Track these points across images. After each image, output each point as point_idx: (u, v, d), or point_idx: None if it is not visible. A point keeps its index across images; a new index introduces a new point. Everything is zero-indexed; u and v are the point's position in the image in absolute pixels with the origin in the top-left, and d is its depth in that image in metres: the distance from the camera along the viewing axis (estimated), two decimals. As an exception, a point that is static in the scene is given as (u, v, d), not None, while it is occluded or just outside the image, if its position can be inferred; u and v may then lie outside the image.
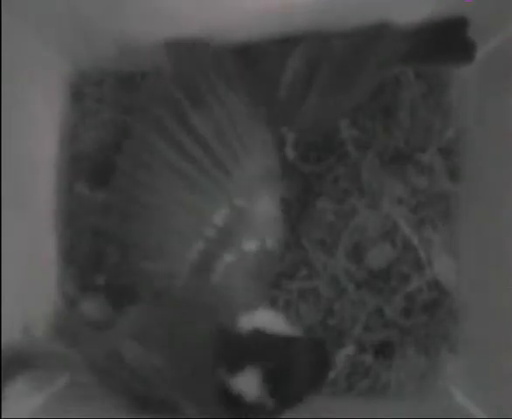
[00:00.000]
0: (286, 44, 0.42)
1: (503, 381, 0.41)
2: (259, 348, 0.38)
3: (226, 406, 0.37)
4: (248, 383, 0.37)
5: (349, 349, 0.48)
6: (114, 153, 0.49)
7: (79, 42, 0.45)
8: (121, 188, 0.42)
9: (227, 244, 0.40)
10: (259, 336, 0.38)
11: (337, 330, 0.49)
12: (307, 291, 0.49)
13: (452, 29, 0.43)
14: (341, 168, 0.49)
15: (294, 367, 0.38)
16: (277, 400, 0.37)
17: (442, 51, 0.44)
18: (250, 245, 0.40)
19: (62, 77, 0.50)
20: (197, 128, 0.40)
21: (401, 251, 0.49)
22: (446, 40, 0.43)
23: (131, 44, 0.45)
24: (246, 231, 0.40)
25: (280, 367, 0.37)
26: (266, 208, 0.40)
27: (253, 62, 0.42)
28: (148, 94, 0.45)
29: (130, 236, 0.42)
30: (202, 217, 0.40)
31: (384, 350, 0.49)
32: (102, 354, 0.39)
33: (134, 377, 0.38)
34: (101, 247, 0.48)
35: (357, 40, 0.42)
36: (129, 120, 0.44)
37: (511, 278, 0.41)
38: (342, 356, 0.48)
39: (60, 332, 0.43)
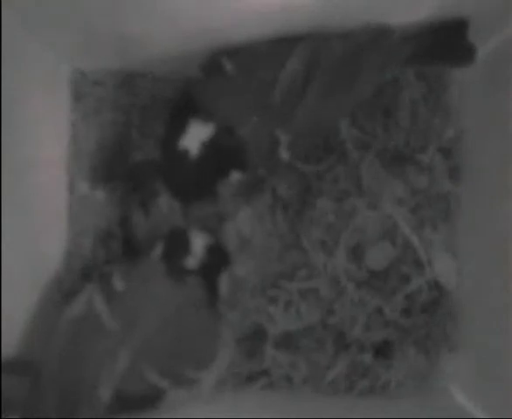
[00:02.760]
0: (285, 44, 0.42)
1: (503, 381, 0.41)
2: None
3: None
4: None
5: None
6: (114, 152, 0.49)
7: (79, 42, 0.45)
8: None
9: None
10: None
11: (337, 330, 0.49)
12: (308, 291, 0.49)
13: (452, 31, 0.43)
14: (341, 168, 0.49)
15: None
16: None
17: (442, 53, 0.44)
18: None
19: (62, 77, 0.50)
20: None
21: (401, 251, 0.49)
22: (446, 42, 0.43)
23: (131, 44, 0.45)
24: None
25: None
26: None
27: (251, 62, 0.42)
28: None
29: None
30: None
31: (383, 350, 0.49)
32: None
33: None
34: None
35: (357, 42, 0.42)
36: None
37: (511, 278, 0.41)
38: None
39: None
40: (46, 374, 0.39)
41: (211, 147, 0.41)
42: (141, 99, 0.50)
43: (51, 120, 0.48)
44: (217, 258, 0.43)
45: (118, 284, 0.41)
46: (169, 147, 0.42)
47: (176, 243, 0.42)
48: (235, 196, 0.46)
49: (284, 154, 0.42)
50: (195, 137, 0.41)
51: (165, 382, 0.40)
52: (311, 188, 0.49)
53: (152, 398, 0.40)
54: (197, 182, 0.43)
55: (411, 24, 0.43)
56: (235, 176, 0.42)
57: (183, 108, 0.42)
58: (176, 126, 0.42)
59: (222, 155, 0.42)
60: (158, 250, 0.42)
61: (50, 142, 0.47)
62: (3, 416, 0.37)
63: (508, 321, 0.41)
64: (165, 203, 0.47)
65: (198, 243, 0.43)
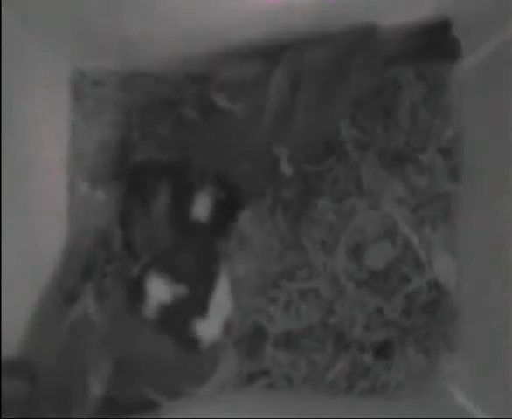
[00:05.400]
0: (267, 61, 0.43)
1: (503, 380, 0.41)
2: None
3: None
4: None
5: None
6: (114, 152, 0.49)
7: (80, 42, 0.45)
8: None
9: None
10: None
11: (337, 330, 0.49)
12: (308, 291, 0.49)
13: (436, 30, 0.43)
14: (341, 168, 0.49)
15: None
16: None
17: (429, 51, 0.45)
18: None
19: (62, 77, 0.50)
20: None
21: (401, 251, 0.49)
22: (432, 41, 0.44)
23: (131, 44, 0.45)
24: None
25: None
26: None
27: (239, 89, 0.43)
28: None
29: None
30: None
31: (384, 350, 0.49)
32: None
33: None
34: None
35: (341, 45, 0.43)
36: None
37: (511, 278, 0.41)
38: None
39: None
40: (44, 376, 0.39)
41: (216, 208, 0.43)
42: (142, 99, 0.50)
43: (51, 120, 0.48)
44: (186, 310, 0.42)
45: (108, 282, 0.41)
46: (181, 221, 0.44)
47: (134, 291, 0.41)
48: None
49: (286, 170, 0.43)
50: (203, 206, 0.43)
51: (162, 398, 0.40)
52: (311, 188, 0.49)
53: (148, 409, 0.40)
54: (211, 234, 0.45)
55: (396, 26, 0.43)
56: (245, 214, 0.46)
57: (185, 180, 0.44)
58: (183, 199, 0.44)
59: (227, 209, 0.44)
60: (134, 272, 0.42)
61: (50, 142, 0.47)
62: (2, 417, 0.37)
63: (508, 321, 0.41)
64: (165, 204, 0.47)
65: (154, 295, 0.41)
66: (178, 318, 0.41)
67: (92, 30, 0.42)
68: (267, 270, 0.49)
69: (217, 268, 0.43)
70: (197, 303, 0.42)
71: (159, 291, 0.41)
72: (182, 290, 0.41)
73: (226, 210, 0.44)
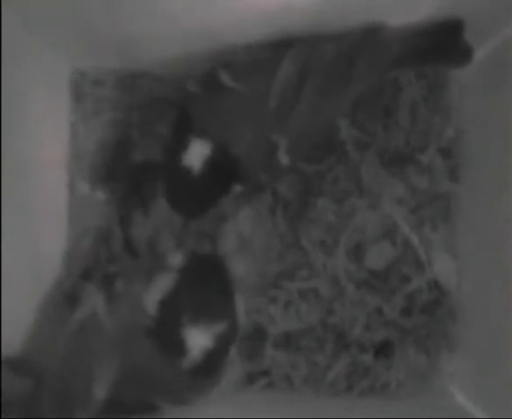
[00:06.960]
0: (277, 50, 0.42)
1: (503, 380, 0.41)
2: None
3: None
4: None
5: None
6: (114, 152, 0.49)
7: (80, 42, 0.45)
8: None
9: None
10: None
11: (337, 330, 0.49)
12: (307, 291, 0.49)
13: (448, 32, 0.43)
14: (341, 168, 0.49)
15: None
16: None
17: (438, 54, 0.44)
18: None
19: (62, 77, 0.50)
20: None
21: (401, 251, 0.49)
22: (442, 43, 0.43)
23: (131, 44, 0.45)
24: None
25: None
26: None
27: (247, 71, 0.43)
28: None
29: None
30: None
31: (384, 350, 0.49)
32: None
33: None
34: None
35: (348, 42, 0.42)
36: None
37: (511, 278, 0.41)
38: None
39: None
40: (48, 376, 0.39)
41: (210, 164, 0.42)
42: (141, 99, 0.50)
43: (51, 120, 0.48)
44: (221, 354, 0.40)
45: (119, 285, 0.41)
46: (173, 165, 0.43)
47: (170, 339, 0.39)
48: (236, 201, 0.47)
49: (283, 159, 0.42)
50: (197, 154, 0.42)
51: (166, 405, 0.40)
52: (311, 188, 0.49)
53: (150, 412, 0.40)
54: (199, 197, 0.44)
55: (405, 25, 0.43)
56: (236, 189, 0.43)
57: (182, 127, 0.43)
58: (178, 143, 0.42)
59: (221, 172, 0.42)
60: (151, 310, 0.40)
61: (50, 142, 0.47)
62: (2, 416, 0.37)
63: (508, 321, 0.41)
64: (164, 206, 0.47)
65: (196, 342, 0.39)
66: (220, 355, 0.40)
67: (92, 30, 0.42)
68: (267, 270, 0.49)
69: (230, 282, 0.42)
70: (232, 332, 0.40)
71: (201, 339, 0.39)
72: (221, 326, 0.40)
73: (221, 172, 0.42)
